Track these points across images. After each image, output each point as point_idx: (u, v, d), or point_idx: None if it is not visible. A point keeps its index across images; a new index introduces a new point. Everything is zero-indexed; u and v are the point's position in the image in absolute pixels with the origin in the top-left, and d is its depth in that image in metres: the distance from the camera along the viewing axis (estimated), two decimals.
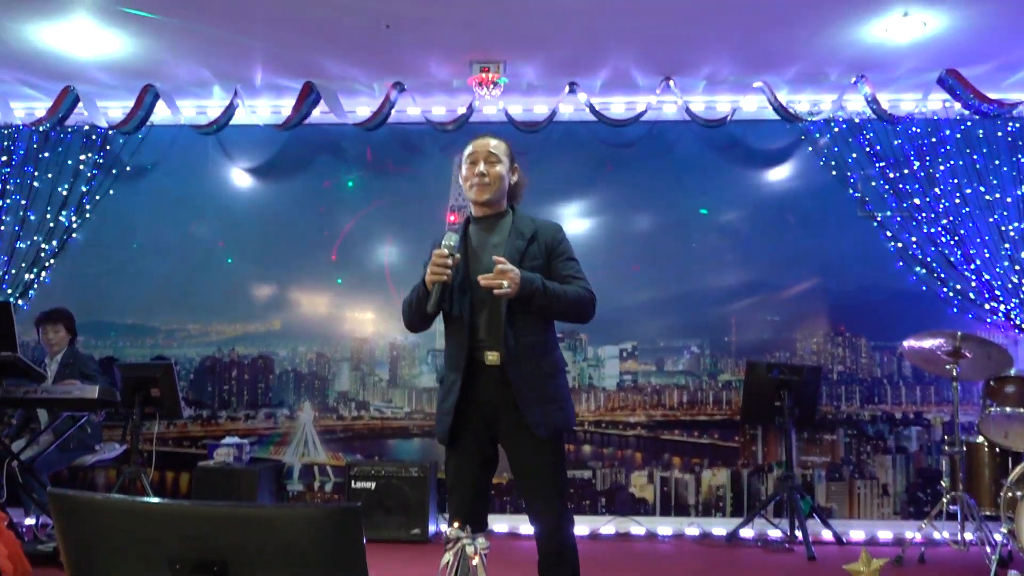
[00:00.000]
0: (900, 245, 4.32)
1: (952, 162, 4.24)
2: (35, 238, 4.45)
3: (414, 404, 4.42)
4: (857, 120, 4.42)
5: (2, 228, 4.40)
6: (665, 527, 4.12)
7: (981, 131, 4.25)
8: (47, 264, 4.46)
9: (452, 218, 4.47)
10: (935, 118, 4.29)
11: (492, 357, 1.63)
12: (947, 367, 3.38)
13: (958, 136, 4.28)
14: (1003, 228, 4.14)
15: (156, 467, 4.08)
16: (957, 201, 4.20)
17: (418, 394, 4.45)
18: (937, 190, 4.22)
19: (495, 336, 1.62)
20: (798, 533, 3.76)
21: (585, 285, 1.69)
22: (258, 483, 3.91)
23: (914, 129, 4.36)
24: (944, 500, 3.39)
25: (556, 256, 1.72)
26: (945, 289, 4.20)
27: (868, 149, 4.40)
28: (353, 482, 3.93)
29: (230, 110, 4.33)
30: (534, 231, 1.70)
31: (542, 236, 1.71)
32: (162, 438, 4.37)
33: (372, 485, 3.87)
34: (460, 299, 1.63)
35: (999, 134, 4.24)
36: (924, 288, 4.24)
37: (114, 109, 4.52)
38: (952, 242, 4.14)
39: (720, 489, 4.26)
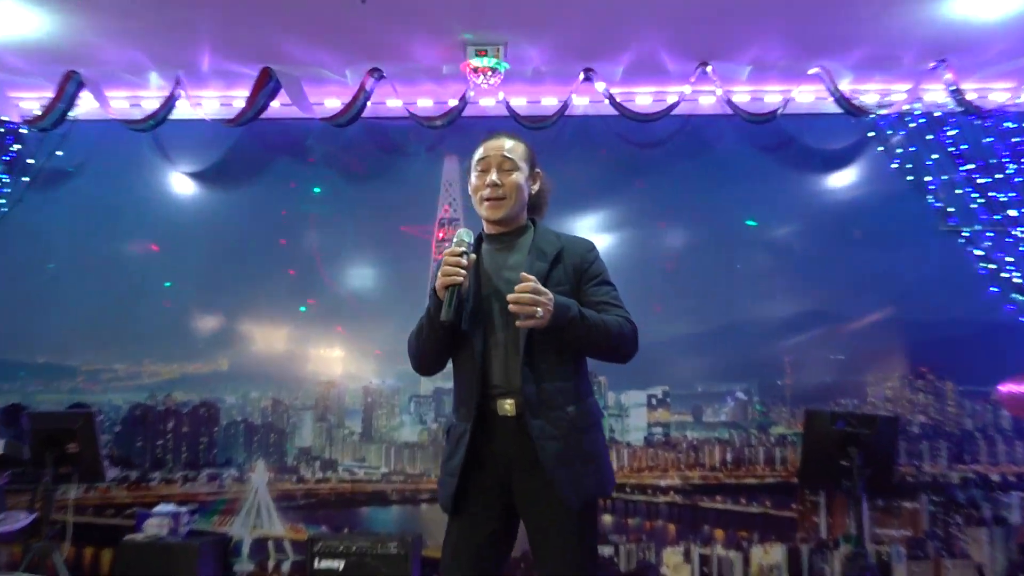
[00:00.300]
0: (992, 266, 4.26)
1: None
2: None
3: (393, 463, 4.32)
4: (938, 114, 4.37)
5: None
6: None
7: None
8: None
9: (440, 235, 4.46)
10: None
11: (508, 406, 1.60)
12: None
13: None
14: None
15: (72, 542, 3.93)
16: None
17: (398, 451, 4.35)
18: None
19: (512, 380, 1.58)
20: None
21: (625, 314, 1.65)
22: (198, 562, 3.80)
23: (1007, 124, 4.31)
24: None
25: (587, 279, 1.68)
26: None
27: (951, 149, 4.36)
28: (317, 560, 3.85)
29: (170, 102, 4.25)
30: (559, 249, 1.68)
31: (569, 256, 1.68)
32: (80, 505, 4.25)
33: (340, 564, 3.80)
34: (471, 329, 1.59)
35: None
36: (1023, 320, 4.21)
37: (28, 101, 4.41)
38: None
39: (774, 571, 4.17)
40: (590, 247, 1.73)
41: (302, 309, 4.54)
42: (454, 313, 1.52)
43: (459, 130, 4.39)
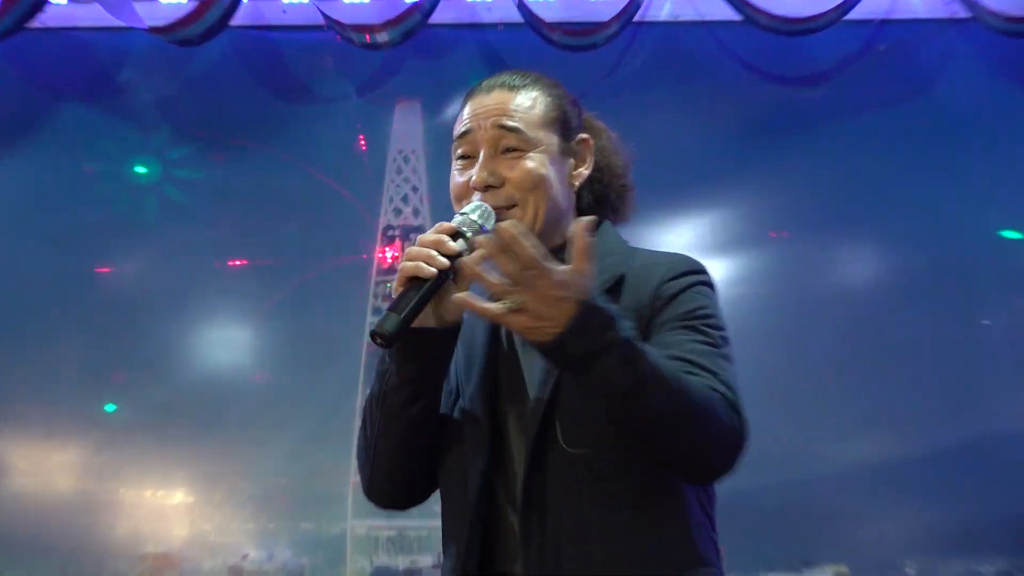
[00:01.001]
0: None
1: None
2: None
3: None
4: None
5: None
6: None
7: None
8: None
9: (388, 256, 4.39)
10: None
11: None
12: None
13: None
14: None
15: None
16: None
17: None
18: None
19: (539, 523, 1.56)
20: None
21: (723, 382, 1.54)
22: None
23: None
24: None
25: (662, 314, 1.61)
26: None
27: None
28: None
29: None
30: (620, 275, 1.62)
31: (640, 282, 1.63)
32: None
33: None
34: (469, 429, 1.61)
35: None
36: None
37: None
38: None
39: None
40: (682, 267, 1.64)
41: (109, 409, 4.37)
42: (399, 327, 1.44)
43: (423, 52, 4.30)
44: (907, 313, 4.38)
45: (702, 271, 1.67)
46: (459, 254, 1.49)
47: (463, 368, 1.66)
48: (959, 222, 4.38)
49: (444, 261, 1.47)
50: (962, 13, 4.27)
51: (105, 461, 4.40)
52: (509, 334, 1.65)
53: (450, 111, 4.09)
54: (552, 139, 1.67)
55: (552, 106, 1.69)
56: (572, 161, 1.71)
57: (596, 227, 1.67)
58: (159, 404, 4.38)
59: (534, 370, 1.60)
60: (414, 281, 1.48)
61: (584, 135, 1.72)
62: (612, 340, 1.44)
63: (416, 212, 4.41)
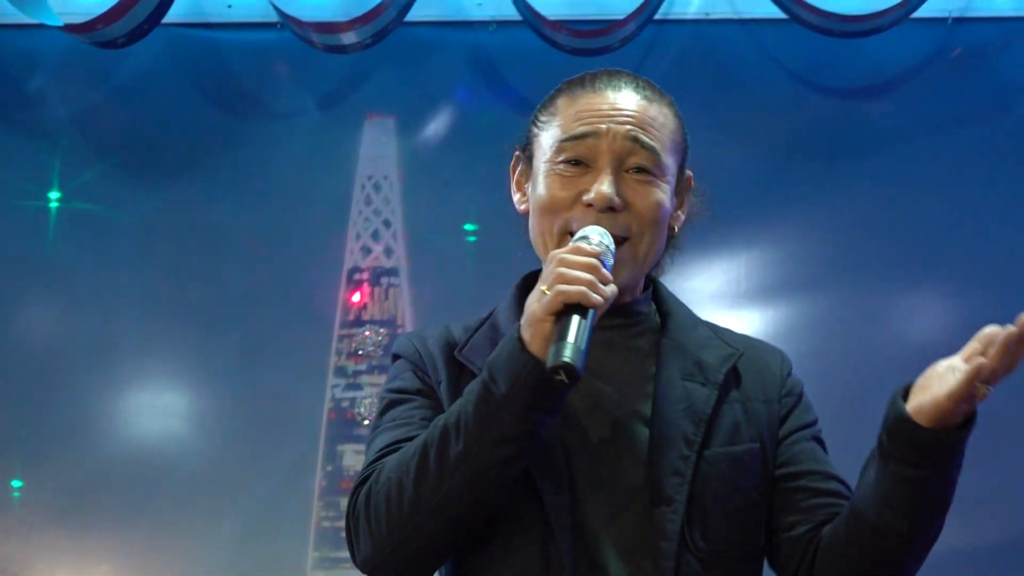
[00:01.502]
0: None
1: None
2: None
3: None
4: None
5: None
6: None
7: None
8: None
9: (357, 305, 4.08)
10: None
11: None
12: None
13: None
14: None
15: None
16: None
17: None
18: None
19: None
20: None
21: None
22: None
23: None
24: None
25: (803, 422, 1.64)
26: None
27: None
28: None
29: None
30: (734, 358, 1.62)
31: (760, 369, 1.64)
32: None
33: None
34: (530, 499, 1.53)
35: None
36: None
37: None
38: None
39: None
40: (791, 362, 1.72)
41: (16, 485, 4.08)
42: (583, 358, 1.38)
43: (399, 57, 4.08)
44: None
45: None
46: (607, 281, 1.49)
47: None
48: None
49: (607, 291, 1.44)
50: None
51: (10, 552, 4.03)
52: (581, 385, 1.51)
53: (431, 129, 3.98)
54: (675, 170, 1.65)
55: (679, 130, 1.67)
56: (676, 201, 1.67)
57: (653, 284, 1.69)
58: (75, 482, 4.01)
59: (627, 445, 1.56)
60: (574, 310, 1.43)
61: (689, 172, 1.69)
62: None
63: (388, 251, 4.00)
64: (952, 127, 4.09)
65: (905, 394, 1.45)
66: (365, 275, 3.98)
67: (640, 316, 1.63)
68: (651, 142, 1.57)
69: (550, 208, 1.56)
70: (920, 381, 1.44)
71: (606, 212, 1.52)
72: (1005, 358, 1.37)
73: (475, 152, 4.01)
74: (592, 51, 3.85)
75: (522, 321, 1.43)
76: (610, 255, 1.47)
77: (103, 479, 3.96)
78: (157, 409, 4.11)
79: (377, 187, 4.02)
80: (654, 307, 1.68)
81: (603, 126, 1.56)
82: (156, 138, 4.14)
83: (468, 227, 3.87)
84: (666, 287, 1.70)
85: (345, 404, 3.78)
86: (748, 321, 4.07)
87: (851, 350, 3.96)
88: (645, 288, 1.65)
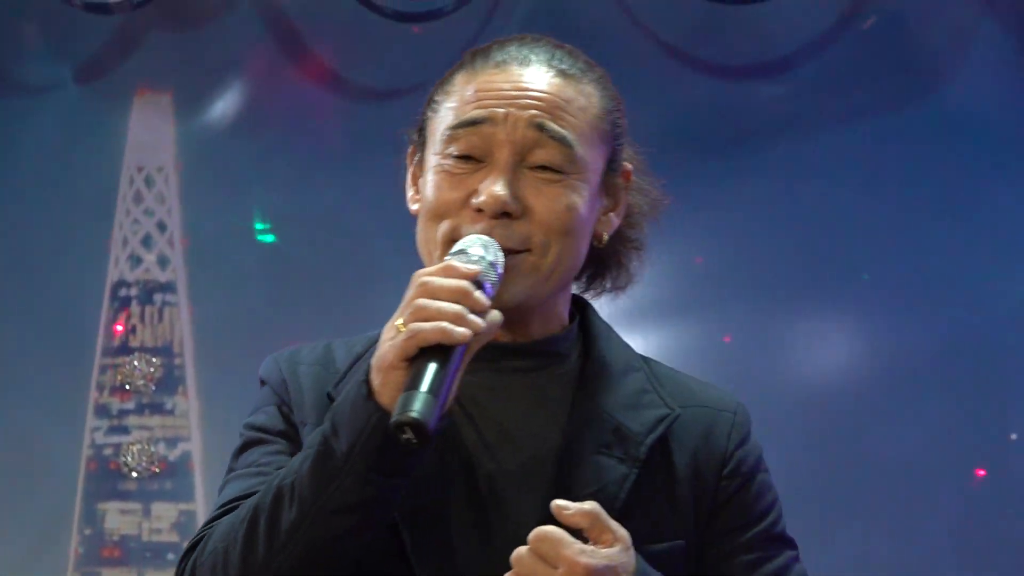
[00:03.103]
0: None
1: None
2: None
3: None
4: None
5: None
6: None
7: None
8: None
9: (122, 328, 3.92)
10: None
11: None
12: None
13: None
14: None
15: None
16: None
17: None
18: None
19: None
20: None
21: None
22: None
23: None
24: None
25: (733, 517, 1.48)
26: None
27: None
28: None
29: None
30: (673, 416, 1.49)
31: (697, 434, 1.50)
32: None
33: None
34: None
35: None
36: None
37: None
38: None
39: None
40: (746, 425, 1.50)
41: None
42: (437, 411, 1.25)
43: (177, 20, 3.83)
44: (898, 420, 3.67)
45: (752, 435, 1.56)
46: (482, 309, 1.33)
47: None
48: (986, 276, 3.71)
49: (479, 322, 1.28)
50: None
51: None
52: (467, 447, 1.43)
53: (216, 109, 3.60)
54: (598, 164, 1.43)
55: (609, 114, 1.44)
56: (605, 201, 1.46)
57: (581, 313, 1.52)
58: None
59: (516, 534, 1.34)
60: (432, 352, 1.27)
61: (627, 164, 1.46)
62: None
63: (163, 261, 3.58)
64: (863, 112, 3.71)
65: None
66: (134, 291, 3.57)
67: (554, 358, 1.45)
68: (561, 130, 1.40)
69: (435, 212, 1.43)
70: None
71: (500, 219, 1.37)
72: None
73: (272, 138, 3.65)
74: (418, 17, 3.52)
75: (373, 361, 1.32)
76: (494, 273, 1.32)
77: None
78: None
79: (149, 182, 3.66)
80: (576, 341, 1.50)
81: (500, 110, 1.40)
82: None
83: (260, 228, 3.50)
84: (598, 315, 1.53)
85: (108, 452, 3.38)
86: (633, 343, 3.83)
87: (744, 383, 3.41)
88: (573, 319, 1.48)
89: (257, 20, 3.63)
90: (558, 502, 1.22)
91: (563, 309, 1.43)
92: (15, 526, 3.49)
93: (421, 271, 1.27)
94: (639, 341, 3.60)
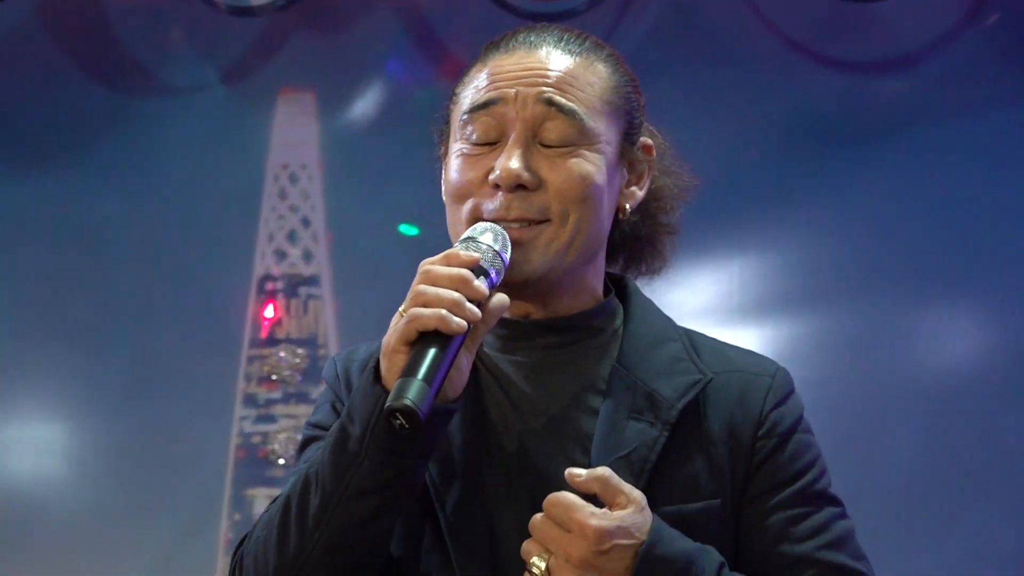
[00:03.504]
0: None
1: None
2: None
3: None
4: None
5: None
6: None
7: None
8: None
9: (269, 321, 4.02)
10: None
11: None
12: None
13: None
14: None
15: None
16: None
17: None
18: None
19: None
20: None
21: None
22: None
23: None
24: None
25: (770, 481, 1.48)
26: None
27: None
28: None
29: None
30: (698, 386, 1.49)
31: (733, 397, 1.51)
32: None
33: None
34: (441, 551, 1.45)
35: None
36: None
37: None
38: None
39: None
40: (785, 386, 1.53)
41: None
42: (429, 398, 1.27)
43: (318, 22, 3.89)
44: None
45: (798, 398, 1.57)
46: (479, 297, 1.35)
47: (436, 473, 1.46)
48: None
49: (475, 311, 1.30)
50: None
51: None
52: (501, 424, 1.47)
53: (357, 107, 3.66)
54: (612, 136, 1.48)
55: (620, 89, 1.50)
56: (626, 174, 1.51)
57: (623, 289, 1.55)
58: None
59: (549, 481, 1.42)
60: (431, 337, 1.29)
61: (647, 139, 1.53)
62: None
63: (308, 256, 3.66)
64: (988, 107, 3.72)
65: None
66: (279, 284, 3.65)
67: (588, 331, 1.48)
68: (569, 103, 1.43)
69: (457, 194, 1.45)
70: None
71: (516, 191, 1.40)
72: None
73: (412, 135, 3.61)
74: (552, 15, 3.43)
75: (381, 346, 1.35)
76: (500, 260, 1.35)
77: None
78: (28, 445, 3.76)
79: (293, 179, 3.73)
80: (618, 316, 1.53)
81: (511, 91, 1.44)
82: (24, 118, 3.74)
83: (404, 227, 3.57)
84: (638, 290, 1.56)
85: (256, 440, 3.44)
86: (740, 342, 3.91)
87: (866, 376, 3.65)
88: (608, 292, 1.51)
89: (395, 21, 3.65)
90: (571, 469, 1.27)
91: (595, 283, 1.47)
92: (168, 512, 3.58)
93: (425, 260, 1.32)
94: (769, 333, 3.39)
